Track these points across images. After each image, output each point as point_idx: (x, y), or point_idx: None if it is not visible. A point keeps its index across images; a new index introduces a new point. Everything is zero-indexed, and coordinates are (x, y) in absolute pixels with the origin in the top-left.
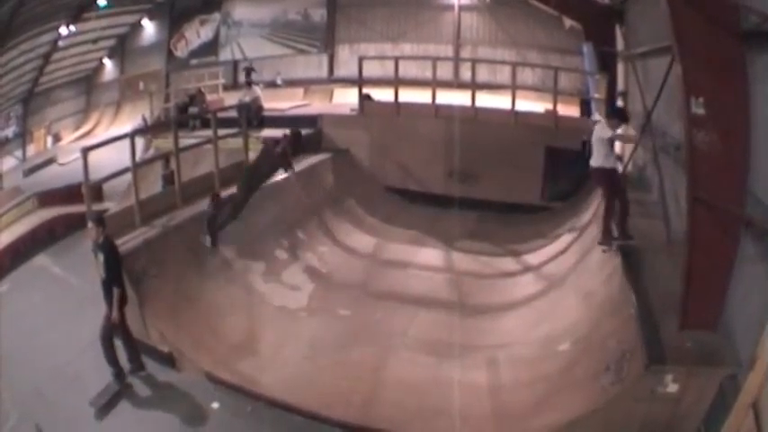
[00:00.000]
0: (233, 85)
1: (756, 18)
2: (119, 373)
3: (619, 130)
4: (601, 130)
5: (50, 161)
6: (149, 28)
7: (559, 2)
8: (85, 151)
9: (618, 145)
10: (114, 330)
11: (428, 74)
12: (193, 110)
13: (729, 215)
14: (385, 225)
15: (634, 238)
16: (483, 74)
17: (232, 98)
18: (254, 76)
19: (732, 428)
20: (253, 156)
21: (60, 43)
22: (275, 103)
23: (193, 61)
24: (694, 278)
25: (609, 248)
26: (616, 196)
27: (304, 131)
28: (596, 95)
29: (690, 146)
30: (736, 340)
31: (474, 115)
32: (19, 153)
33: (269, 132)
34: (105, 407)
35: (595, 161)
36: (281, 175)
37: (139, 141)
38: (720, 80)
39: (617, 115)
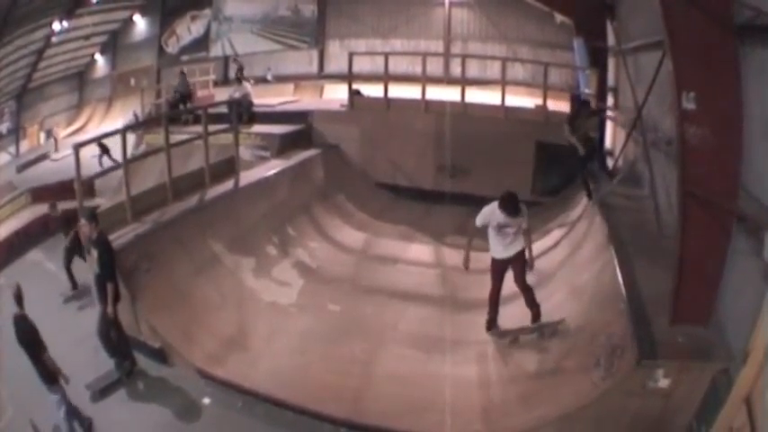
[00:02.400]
0: (224, 81)
1: (750, 12)
2: (120, 363)
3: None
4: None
5: (43, 157)
6: (141, 24)
7: None
8: (77, 147)
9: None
10: (109, 325)
11: (418, 69)
12: (185, 106)
13: (721, 210)
14: (375, 220)
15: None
16: (473, 69)
17: (222, 94)
18: (244, 72)
19: (725, 423)
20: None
21: (53, 39)
22: (266, 98)
23: (184, 57)
24: (686, 273)
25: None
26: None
27: None
28: (587, 90)
29: (681, 140)
30: (728, 335)
31: (464, 110)
32: (12, 149)
33: (259, 128)
34: (101, 392)
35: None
36: None
37: (131, 137)
38: (713, 75)
39: (508, 207)
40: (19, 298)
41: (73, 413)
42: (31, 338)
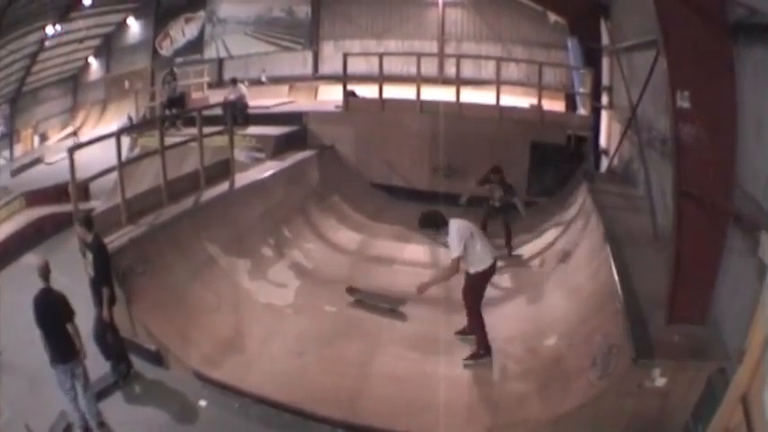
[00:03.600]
0: (218, 83)
1: (743, 10)
2: (116, 366)
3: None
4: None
5: (37, 161)
6: (135, 27)
7: None
8: (72, 150)
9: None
10: (105, 328)
11: (413, 70)
12: (174, 111)
13: (717, 209)
14: (370, 221)
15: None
16: (468, 69)
17: (217, 96)
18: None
19: (721, 422)
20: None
21: (47, 43)
22: (260, 100)
23: (179, 59)
24: (682, 272)
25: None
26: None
27: None
28: (581, 90)
29: (676, 140)
30: (724, 334)
31: (459, 111)
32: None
33: (254, 130)
34: (98, 395)
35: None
36: None
37: (125, 140)
38: (707, 73)
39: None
40: (46, 272)
41: (92, 398)
42: (60, 309)
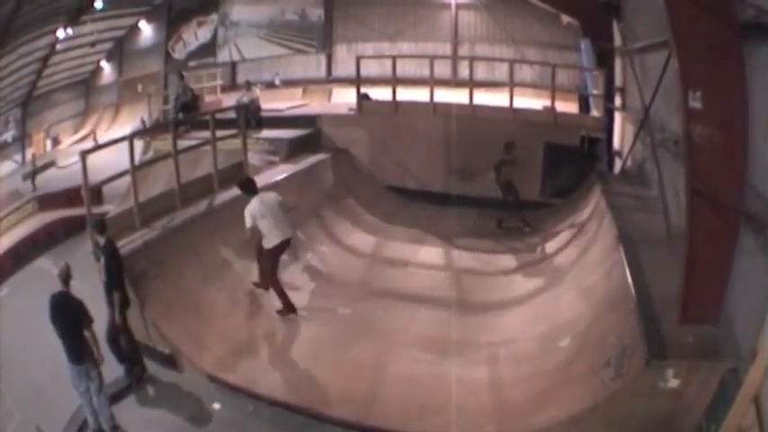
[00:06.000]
0: (231, 86)
1: (753, 10)
2: (130, 369)
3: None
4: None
5: (50, 164)
6: (147, 30)
7: None
8: (84, 154)
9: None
10: (118, 333)
11: (426, 72)
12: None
13: (729, 209)
14: (385, 223)
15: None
16: (481, 71)
17: (230, 99)
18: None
19: (733, 422)
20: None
21: (58, 46)
22: (274, 103)
23: (192, 63)
24: (694, 272)
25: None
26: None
27: None
28: (594, 91)
29: (688, 140)
30: (736, 334)
31: (472, 113)
32: (18, 157)
33: (268, 133)
34: (111, 398)
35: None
36: None
37: (138, 143)
38: (718, 73)
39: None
40: (66, 276)
41: (105, 400)
42: (76, 314)
